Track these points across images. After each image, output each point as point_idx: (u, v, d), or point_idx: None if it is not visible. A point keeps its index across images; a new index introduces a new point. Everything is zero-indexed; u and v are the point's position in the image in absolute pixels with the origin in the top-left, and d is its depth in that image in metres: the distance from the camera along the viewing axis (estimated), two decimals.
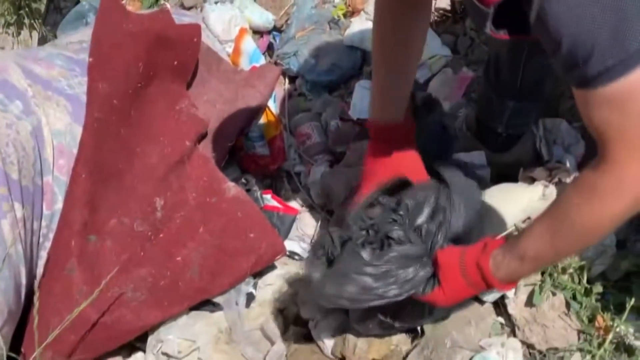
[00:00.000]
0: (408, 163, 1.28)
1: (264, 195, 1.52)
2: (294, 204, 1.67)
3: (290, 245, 1.56)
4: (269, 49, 2.06)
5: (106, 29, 1.47)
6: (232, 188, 1.50)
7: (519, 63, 1.32)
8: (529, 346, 1.33)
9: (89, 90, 1.38)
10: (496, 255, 1.02)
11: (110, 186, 1.37)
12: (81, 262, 1.29)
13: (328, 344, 1.39)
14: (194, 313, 1.37)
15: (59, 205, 1.29)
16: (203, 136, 1.59)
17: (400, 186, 1.26)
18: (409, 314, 1.23)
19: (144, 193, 1.41)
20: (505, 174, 1.54)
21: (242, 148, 1.73)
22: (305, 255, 1.55)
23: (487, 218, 1.37)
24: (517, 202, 1.39)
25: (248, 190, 1.50)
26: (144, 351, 1.34)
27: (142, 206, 1.40)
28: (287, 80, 1.96)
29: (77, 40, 1.61)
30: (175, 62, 1.57)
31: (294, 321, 1.44)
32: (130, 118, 1.44)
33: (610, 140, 0.78)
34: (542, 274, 1.32)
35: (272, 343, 1.39)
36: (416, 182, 1.25)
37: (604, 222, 0.87)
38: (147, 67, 1.48)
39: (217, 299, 1.40)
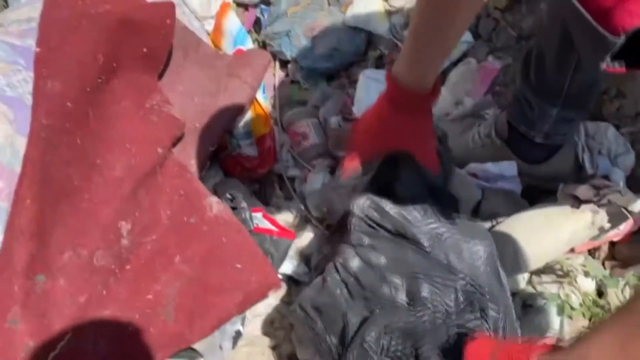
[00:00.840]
0: (419, 139, 1.08)
1: (254, 214, 1.26)
2: (287, 214, 1.42)
3: (282, 267, 1.32)
4: (256, 25, 1.77)
5: (57, 11, 1.19)
6: (214, 205, 1.25)
7: (570, 64, 1.06)
8: None
9: (35, 90, 1.12)
10: None
11: (64, 211, 1.11)
12: (26, 310, 1.04)
13: None
14: None
15: None
16: (178, 139, 1.32)
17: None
18: None
19: (106, 216, 1.16)
20: (540, 188, 1.30)
21: (225, 148, 1.46)
22: (300, 278, 1.35)
23: (522, 250, 1.13)
24: (559, 230, 1.16)
25: (234, 209, 1.23)
26: None
27: (104, 233, 1.14)
28: (277, 64, 1.68)
29: (25, 17, 1.29)
30: (145, 50, 1.29)
31: None
32: (88, 123, 1.17)
33: None
34: (590, 319, 1.10)
35: None
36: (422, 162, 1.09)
37: None
38: (108, 57, 1.20)
39: (196, 345, 1.15)
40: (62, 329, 1.05)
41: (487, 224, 1.22)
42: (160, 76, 1.40)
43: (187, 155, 1.34)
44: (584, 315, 1.12)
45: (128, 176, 1.20)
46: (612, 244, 1.23)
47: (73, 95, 1.14)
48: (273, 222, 1.29)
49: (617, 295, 1.12)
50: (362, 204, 1.08)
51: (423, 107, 1.05)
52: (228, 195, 1.31)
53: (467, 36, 1.49)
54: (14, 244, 1.05)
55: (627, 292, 1.12)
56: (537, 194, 1.30)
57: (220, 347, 1.19)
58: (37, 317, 1.05)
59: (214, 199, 1.27)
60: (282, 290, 1.34)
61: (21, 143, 1.08)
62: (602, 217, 1.13)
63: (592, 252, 1.23)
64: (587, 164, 1.25)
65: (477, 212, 1.24)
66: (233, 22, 1.62)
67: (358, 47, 1.59)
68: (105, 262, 1.13)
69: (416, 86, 1.00)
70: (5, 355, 1.02)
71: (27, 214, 1.07)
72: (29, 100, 1.11)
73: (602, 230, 1.15)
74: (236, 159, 1.46)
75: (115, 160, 1.20)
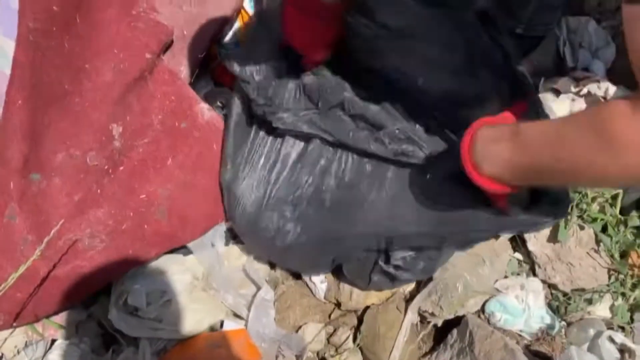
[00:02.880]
0: None
1: None
2: None
3: None
4: None
5: None
6: (205, 111, 1.29)
7: None
8: (552, 287, 1.16)
9: None
10: (484, 131, 0.83)
11: (55, 113, 1.13)
12: (23, 207, 1.08)
13: (320, 287, 1.21)
14: (163, 258, 1.21)
15: None
16: (167, 46, 1.31)
17: None
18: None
19: (97, 119, 1.18)
20: None
21: (215, 57, 1.45)
22: None
23: None
24: None
25: (225, 117, 1.24)
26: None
27: (96, 135, 1.17)
28: None
29: None
30: None
31: None
32: (75, 27, 1.18)
33: None
34: None
35: (257, 287, 1.20)
36: None
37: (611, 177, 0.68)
38: None
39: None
40: (58, 224, 1.07)
41: None
42: None
43: (177, 63, 1.35)
44: None
45: (117, 81, 1.21)
46: None
47: None
48: None
49: None
50: None
51: None
52: (219, 103, 1.32)
53: None
54: (7, 143, 1.08)
55: None
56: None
57: (213, 245, 1.22)
58: (34, 214, 1.09)
59: (204, 106, 1.29)
60: None
61: (9, 46, 1.10)
62: (580, 106, 1.14)
63: None
64: (568, 57, 1.25)
65: None
66: None
67: None
68: (99, 162, 1.16)
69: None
70: (5, 248, 1.06)
71: (19, 115, 1.09)
72: (15, 3, 1.11)
73: None
74: (225, 68, 1.45)
75: (103, 65, 1.21)
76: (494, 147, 0.80)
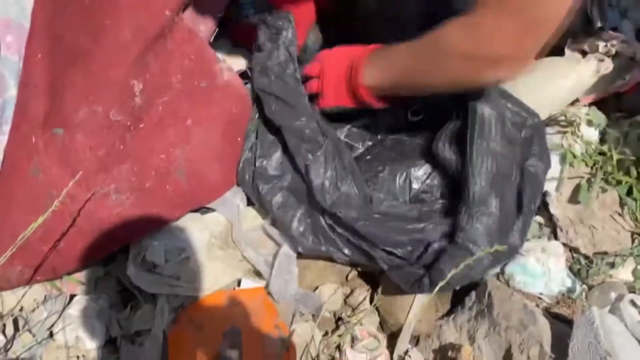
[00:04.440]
0: None
1: None
2: None
3: None
4: None
5: None
6: (225, 71, 1.29)
7: None
8: (573, 250, 1.15)
9: None
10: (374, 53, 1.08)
11: (76, 68, 1.14)
12: (47, 161, 1.11)
13: None
14: None
15: (12, 92, 1.07)
16: (186, 5, 1.31)
17: None
18: None
19: (117, 75, 1.19)
20: None
21: (233, 18, 1.44)
22: None
23: (528, 99, 1.12)
24: (565, 79, 1.14)
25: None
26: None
27: (117, 91, 1.18)
28: None
29: None
30: None
31: None
32: None
33: None
34: (592, 167, 1.10)
35: (278, 244, 1.19)
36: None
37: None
38: None
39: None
40: (83, 179, 1.08)
41: None
42: None
43: (196, 22, 1.35)
44: (585, 163, 1.13)
45: (137, 38, 1.21)
46: (618, 96, 1.22)
47: None
48: None
49: (620, 141, 1.12)
50: None
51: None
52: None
53: None
54: (29, 98, 1.09)
55: (630, 139, 1.12)
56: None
57: (236, 204, 1.22)
58: (58, 168, 1.11)
59: (224, 65, 1.30)
60: None
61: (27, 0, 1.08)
62: (608, 66, 1.12)
63: (598, 105, 1.22)
64: (596, 17, 1.22)
65: None
66: None
67: None
68: (121, 118, 1.17)
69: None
70: (30, 202, 1.07)
71: (39, 69, 1.10)
72: None
73: (608, 81, 1.14)
74: (243, 29, 1.45)
75: (123, 22, 1.21)
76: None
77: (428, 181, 1.15)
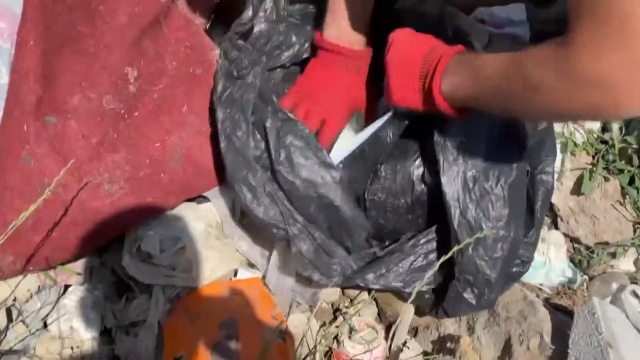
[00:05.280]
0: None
1: None
2: None
3: None
4: None
5: None
6: None
7: None
8: (574, 240, 1.14)
9: None
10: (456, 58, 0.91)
11: (69, 55, 1.13)
12: (39, 149, 1.10)
13: None
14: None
15: (4, 79, 1.06)
16: None
17: None
18: None
19: (112, 62, 1.18)
20: (548, 33, 1.26)
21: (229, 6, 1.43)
22: None
23: None
24: None
25: None
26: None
27: (112, 78, 1.17)
28: None
29: None
30: None
31: None
32: None
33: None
34: (594, 156, 1.09)
35: None
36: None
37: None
38: None
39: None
40: (75, 167, 1.07)
41: None
42: None
43: (192, 8, 1.32)
44: (587, 152, 1.12)
45: (132, 23, 1.20)
46: None
47: None
48: None
49: (622, 130, 1.11)
50: None
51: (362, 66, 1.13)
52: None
53: None
54: (20, 85, 1.08)
55: (632, 127, 1.11)
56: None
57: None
58: (50, 156, 1.10)
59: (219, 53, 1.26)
60: None
61: None
62: None
63: None
64: None
65: None
66: None
67: None
68: (115, 105, 1.16)
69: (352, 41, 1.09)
70: (22, 190, 1.06)
71: (31, 55, 1.09)
72: None
73: None
74: None
75: (118, 8, 1.20)
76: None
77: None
